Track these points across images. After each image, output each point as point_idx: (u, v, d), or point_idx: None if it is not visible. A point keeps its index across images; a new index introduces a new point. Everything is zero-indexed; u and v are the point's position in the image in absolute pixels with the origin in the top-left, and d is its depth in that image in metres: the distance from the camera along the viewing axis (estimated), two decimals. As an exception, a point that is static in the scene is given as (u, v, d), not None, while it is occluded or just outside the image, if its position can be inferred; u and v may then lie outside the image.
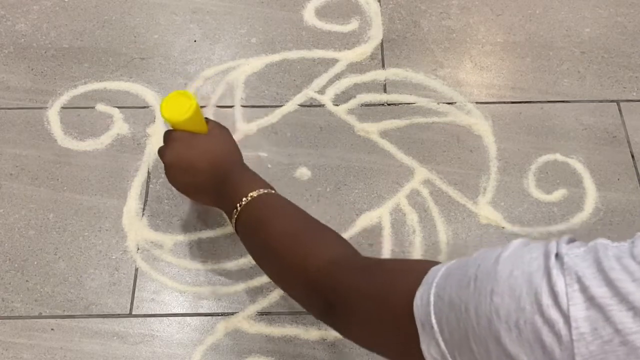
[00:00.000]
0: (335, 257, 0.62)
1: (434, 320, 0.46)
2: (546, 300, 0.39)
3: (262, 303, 0.83)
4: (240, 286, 0.84)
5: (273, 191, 0.73)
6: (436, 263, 0.51)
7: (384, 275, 0.56)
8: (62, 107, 0.99)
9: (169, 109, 0.77)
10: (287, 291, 0.70)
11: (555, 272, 0.40)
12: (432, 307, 0.46)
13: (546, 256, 0.41)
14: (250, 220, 0.70)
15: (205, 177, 0.76)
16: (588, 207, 0.90)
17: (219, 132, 0.81)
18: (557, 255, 0.41)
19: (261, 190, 0.72)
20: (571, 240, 0.43)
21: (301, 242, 0.65)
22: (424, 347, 0.46)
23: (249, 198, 0.71)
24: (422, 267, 0.50)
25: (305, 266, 0.62)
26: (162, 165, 0.93)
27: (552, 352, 0.39)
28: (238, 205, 0.71)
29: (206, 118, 0.81)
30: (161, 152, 0.79)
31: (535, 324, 0.39)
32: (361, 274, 0.58)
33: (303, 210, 0.71)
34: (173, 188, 0.91)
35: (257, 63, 1.03)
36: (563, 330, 0.38)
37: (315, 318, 0.66)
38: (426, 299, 0.47)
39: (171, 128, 0.80)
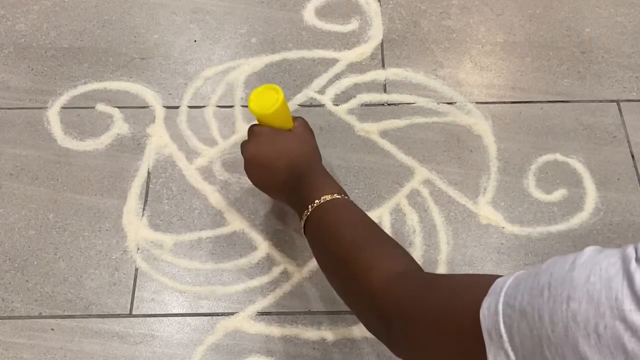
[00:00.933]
0: (399, 271, 0.62)
1: (503, 329, 0.45)
2: (628, 305, 0.38)
3: (262, 303, 0.83)
4: (240, 286, 0.84)
5: (346, 197, 0.73)
6: (500, 276, 0.50)
7: (448, 288, 0.56)
8: (62, 107, 0.99)
9: (257, 102, 0.78)
10: (347, 301, 0.69)
11: (638, 276, 0.39)
12: (500, 316, 0.45)
13: (625, 261, 0.41)
14: (319, 224, 0.71)
15: (282, 175, 0.77)
16: (588, 207, 0.90)
17: (303, 131, 0.81)
18: (637, 259, 0.40)
19: (334, 194, 0.72)
20: None
21: (367, 253, 0.65)
22: (490, 357, 0.46)
23: (321, 201, 0.71)
24: (487, 280, 0.49)
25: (369, 278, 0.62)
26: (162, 165, 0.93)
27: (635, 358, 0.38)
28: (310, 206, 0.71)
29: (294, 116, 0.82)
30: (243, 146, 0.80)
31: (616, 330, 0.39)
32: (424, 288, 0.58)
33: (371, 220, 0.71)
34: (173, 188, 0.91)
35: (257, 63, 1.03)
36: None
37: (370, 333, 0.65)
38: (494, 308, 0.46)
39: (256, 122, 0.81)
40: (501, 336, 0.45)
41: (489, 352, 0.46)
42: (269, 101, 0.77)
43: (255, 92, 0.78)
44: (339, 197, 0.72)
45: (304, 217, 0.72)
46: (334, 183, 0.75)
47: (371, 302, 0.61)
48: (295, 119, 0.82)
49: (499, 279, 0.49)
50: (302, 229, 0.73)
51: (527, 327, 0.43)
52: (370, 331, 0.65)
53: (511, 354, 0.44)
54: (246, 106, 0.98)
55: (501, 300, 0.46)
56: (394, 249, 0.67)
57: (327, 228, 0.70)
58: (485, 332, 0.46)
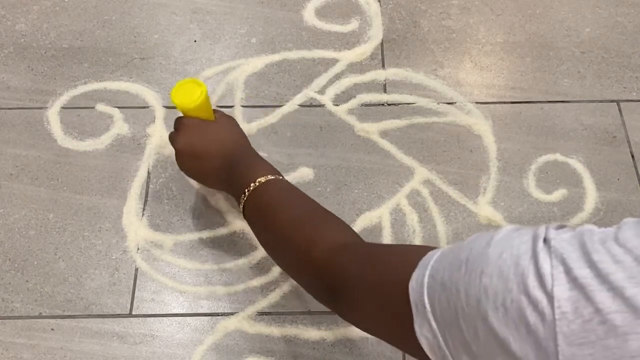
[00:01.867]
0: (339, 243, 0.64)
1: (426, 301, 0.47)
2: (532, 281, 0.40)
3: (262, 303, 0.83)
4: (240, 286, 0.84)
5: (281, 177, 0.75)
6: (434, 248, 0.52)
7: (383, 261, 0.58)
8: (62, 107, 0.99)
9: (180, 95, 0.80)
10: (293, 276, 0.71)
11: (542, 255, 0.41)
12: (425, 289, 0.48)
13: (534, 240, 0.43)
14: (257, 206, 0.72)
15: (216, 162, 0.79)
16: (588, 207, 0.90)
17: (227, 119, 0.84)
18: (545, 239, 0.42)
19: (269, 176, 0.74)
20: (560, 227, 0.44)
21: (307, 228, 0.67)
22: (416, 327, 0.48)
23: (257, 183, 0.73)
24: (419, 252, 0.52)
25: (310, 252, 0.64)
26: (162, 165, 0.93)
27: (536, 331, 0.40)
28: (246, 190, 0.73)
29: (214, 109, 0.84)
30: (172, 138, 0.82)
31: (520, 304, 0.40)
32: (362, 261, 0.60)
33: (309, 197, 0.73)
34: (173, 188, 0.91)
35: (257, 63, 1.03)
36: (546, 309, 0.39)
37: (320, 303, 0.67)
38: (420, 281, 0.48)
39: (181, 115, 0.82)
40: (425, 307, 0.47)
41: (416, 323, 0.48)
42: (193, 95, 0.79)
43: (177, 86, 0.80)
44: (273, 177, 0.74)
45: (242, 202, 0.74)
46: (267, 165, 0.77)
47: (316, 274, 0.64)
48: (215, 111, 0.84)
49: (429, 252, 0.51)
50: (242, 213, 0.75)
51: (446, 299, 0.46)
52: (320, 302, 0.67)
53: (433, 324, 0.47)
54: (246, 106, 0.99)
55: (427, 273, 0.48)
56: (334, 223, 0.69)
57: (265, 209, 0.72)
58: (413, 303, 0.49)
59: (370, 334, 0.62)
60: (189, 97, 0.79)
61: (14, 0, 1.10)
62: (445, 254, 0.49)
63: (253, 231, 0.75)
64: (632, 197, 0.90)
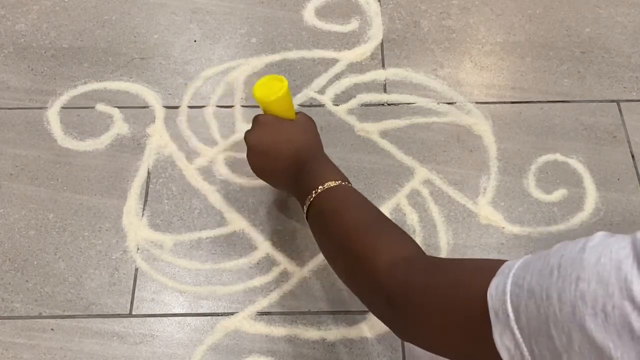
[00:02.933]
0: (404, 255, 0.62)
1: (510, 308, 0.46)
2: (637, 286, 0.39)
3: (262, 303, 0.83)
4: (240, 286, 0.84)
5: (349, 184, 0.74)
6: (506, 260, 0.51)
7: (454, 272, 0.56)
8: (62, 107, 0.99)
9: (261, 90, 0.79)
10: (350, 285, 0.69)
11: None
12: (508, 296, 0.46)
13: (635, 244, 0.41)
14: (321, 210, 0.71)
15: (285, 163, 0.77)
16: (588, 207, 0.90)
17: (306, 120, 0.82)
18: None
19: (337, 181, 0.72)
20: None
21: (371, 236, 0.65)
22: (496, 336, 0.46)
23: (324, 187, 0.71)
24: (494, 263, 0.50)
25: (373, 262, 0.62)
26: (162, 165, 0.93)
27: None
28: (313, 192, 0.71)
29: (296, 111, 0.83)
30: (246, 133, 0.81)
31: (624, 309, 0.39)
32: (429, 272, 0.58)
33: (374, 206, 0.71)
34: (173, 188, 0.91)
35: (257, 63, 1.03)
36: None
37: (374, 315, 0.66)
38: (502, 288, 0.47)
39: (261, 112, 0.82)
40: (508, 315, 0.45)
41: (495, 331, 0.46)
42: (272, 89, 0.79)
43: (261, 81, 0.80)
44: (342, 184, 0.72)
45: (307, 204, 0.72)
46: (336, 171, 0.75)
47: (376, 286, 0.61)
48: (297, 112, 0.83)
49: (507, 262, 0.49)
50: (305, 217, 0.73)
51: (535, 306, 0.44)
52: (374, 314, 0.65)
53: (517, 332, 0.45)
54: (246, 106, 0.99)
55: (509, 280, 0.47)
56: (398, 233, 0.67)
57: (329, 214, 0.70)
58: (492, 311, 0.47)
59: (433, 351, 0.59)
60: (270, 91, 0.79)
61: (14, 0, 1.10)
62: (530, 261, 0.47)
63: (314, 235, 0.73)
64: (632, 197, 0.90)
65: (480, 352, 0.47)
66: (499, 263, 0.50)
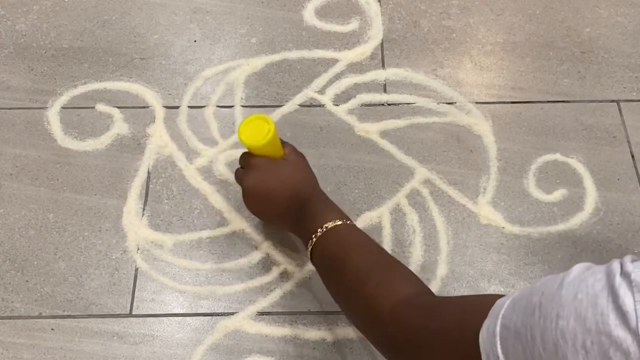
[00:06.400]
0: (405, 297, 0.63)
1: (499, 351, 0.46)
2: (613, 320, 0.39)
3: (262, 303, 0.83)
4: (240, 286, 0.84)
5: (349, 222, 0.73)
6: (501, 296, 0.51)
7: (450, 312, 0.57)
8: (62, 107, 0.99)
9: (247, 132, 0.77)
10: (358, 327, 0.70)
11: (623, 291, 0.40)
12: (497, 338, 0.47)
13: (610, 276, 0.42)
14: (324, 254, 0.71)
15: (284, 204, 0.77)
16: (588, 207, 0.90)
17: (296, 157, 0.81)
18: (622, 273, 0.41)
19: (337, 221, 0.72)
20: (634, 260, 0.43)
21: (373, 281, 0.66)
22: None
23: (324, 229, 0.71)
24: (487, 302, 0.51)
25: (376, 306, 0.63)
26: (162, 165, 0.93)
27: None
28: (313, 236, 0.72)
29: (281, 140, 0.81)
30: (240, 176, 0.80)
31: (602, 345, 0.40)
32: (429, 314, 0.59)
33: (377, 245, 0.72)
34: (173, 188, 0.91)
35: (257, 63, 1.03)
36: (632, 348, 0.38)
37: (384, 357, 0.66)
38: (492, 330, 0.48)
39: (246, 150, 0.80)
40: (498, 357, 0.46)
41: None
42: (260, 132, 0.76)
43: (244, 122, 0.77)
44: (341, 222, 0.72)
45: (309, 248, 0.73)
46: (335, 208, 0.76)
47: (380, 330, 0.63)
48: (284, 145, 0.81)
49: (498, 300, 0.50)
50: (309, 258, 0.74)
51: (521, 347, 0.45)
52: (380, 353, 0.66)
53: None
54: (246, 106, 0.99)
55: (499, 322, 0.47)
56: (398, 274, 0.68)
57: (332, 257, 0.71)
58: (484, 353, 0.48)
59: None
60: (257, 134, 0.76)
61: (14, 0, 1.10)
62: (516, 300, 0.48)
63: (320, 276, 0.73)
64: (632, 197, 0.90)
65: None
66: (492, 299, 0.51)
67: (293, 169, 0.79)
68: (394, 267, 0.69)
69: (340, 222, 0.72)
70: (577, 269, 0.45)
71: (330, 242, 0.71)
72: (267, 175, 0.77)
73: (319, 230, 0.72)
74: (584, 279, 0.43)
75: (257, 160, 0.78)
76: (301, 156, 0.82)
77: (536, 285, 0.47)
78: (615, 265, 0.42)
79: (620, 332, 0.39)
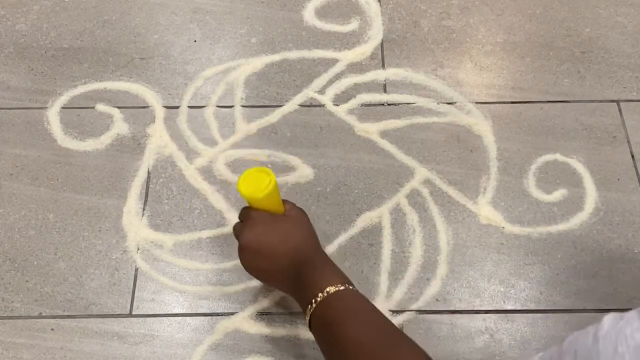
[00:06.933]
0: None
1: None
2: None
3: (262, 303, 0.83)
4: (240, 286, 0.84)
5: (352, 287, 0.69)
6: None
7: None
8: (62, 107, 0.99)
9: (247, 184, 0.73)
10: None
11: None
12: None
13: None
14: (324, 321, 0.67)
15: (283, 262, 0.72)
16: (588, 207, 0.90)
17: (297, 214, 0.77)
18: None
19: (338, 286, 0.67)
20: None
21: (379, 357, 0.62)
22: None
23: (324, 294, 0.67)
24: None
25: None
26: (162, 165, 0.93)
27: None
28: (313, 301, 0.67)
29: (283, 200, 0.78)
30: (238, 231, 0.75)
31: None
32: None
33: (379, 313, 0.67)
34: (173, 188, 0.91)
35: (257, 63, 1.03)
36: None
37: None
38: None
39: (247, 205, 0.77)
40: None
41: None
42: (260, 184, 0.73)
43: (245, 174, 0.74)
44: (344, 288, 0.68)
45: (308, 313, 0.68)
46: (337, 271, 0.71)
47: None
48: (284, 202, 0.77)
49: None
50: (307, 324, 0.69)
51: None
52: None
53: None
54: (246, 106, 0.99)
55: None
56: (407, 350, 0.63)
57: (332, 326, 0.66)
58: None
59: None
60: (257, 186, 0.73)
61: (14, 0, 1.10)
62: None
63: (319, 346, 0.68)
64: (632, 197, 0.90)
65: None
66: None
67: (294, 225, 0.75)
68: (401, 342, 0.64)
69: (342, 287, 0.67)
70: (609, 319, 0.43)
71: (332, 308, 0.66)
72: (266, 230, 0.73)
73: (319, 294, 0.67)
74: (621, 330, 0.41)
75: (257, 214, 0.74)
76: (303, 213, 0.77)
77: (564, 345, 0.44)
78: None
79: None
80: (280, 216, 0.75)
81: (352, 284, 0.69)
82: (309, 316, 0.68)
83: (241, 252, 0.74)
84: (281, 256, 0.72)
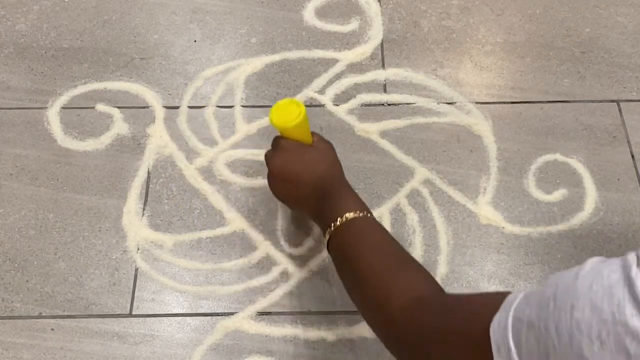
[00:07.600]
0: (416, 296, 0.63)
1: (511, 342, 0.46)
2: (630, 310, 0.39)
3: (262, 303, 0.83)
4: (240, 286, 0.84)
5: (370, 215, 0.73)
6: (509, 293, 0.52)
7: (460, 310, 0.58)
8: (62, 107, 0.99)
9: (279, 115, 0.78)
10: (366, 319, 0.70)
11: (639, 282, 0.40)
12: (509, 330, 0.47)
13: (626, 267, 0.42)
14: (341, 244, 0.71)
15: (307, 189, 0.77)
16: (588, 207, 0.90)
17: (325, 145, 0.81)
18: (639, 264, 0.41)
19: (357, 212, 0.72)
20: None
21: (387, 277, 0.66)
22: None
23: (344, 219, 0.71)
24: (498, 297, 0.51)
25: (387, 303, 0.63)
26: (162, 165, 0.93)
27: None
28: (332, 224, 0.72)
29: (312, 132, 0.82)
30: (268, 157, 0.80)
31: (618, 335, 0.39)
32: (439, 313, 0.59)
33: (394, 240, 0.72)
34: (173, 188, 0.91)
35: (257, 63, 1.03)
36: None
37: (392, 355, 0.66)
38: (504, 323, 0.48)
39: (279, 135, 0.80)
40: (510, 349, 0.46)
41: None
42: (291, 115, 0.77)
43: (277, 105, 0.78)
44: (362, 214, 0.72)
45: (327, 235, 0.73)
46: (357, 200, 0.75)
47: (389, 327, 0.63)
48: (313, 134, 0.82)
49: (509, 296, 0.50)
50: (326, 246, 0.74)
51: (535, 338, 0.45)
52: (387, 348, 0.66)
53: None
54: (246, 106, 0.99)
55: (511, 314, 0.48)
56: (413, 273, 0.68)
57: (348, 249, 0.70)
58: (495, 345, 0.48)
59: None
60: (288, 116, 0.77)
61: (14, 0, 1.10)
62: (529, 294, 0.48)
63: (335, 266, 0.74)
64: (632, 197, 0.90)
65: None
66: (502, 296, 0.51)
67: (321, 156, 0.79)
68: (410, 264, 0.69)
69: (361, 214, 0.72)
70: (592, 262, 0.45)
71: (349, 232, 0.71)
72: (295, 158, 0.77)
73: (338, 219, 0.71)
74: (599, 271, 0.43)
75: (287, 143, 0.79)
76: (330, 145, 0.82)
77: (549, 280, 0.47)
78: (632, 256, 0.42)
79: (636, 322, 0.39)
80: (308, 146, 0.80)
81: (370, 212, 0.74)
82: (327, 238, 0.72)
83: (270, 177, 0.79)
84: (306, 183, 0.77)
